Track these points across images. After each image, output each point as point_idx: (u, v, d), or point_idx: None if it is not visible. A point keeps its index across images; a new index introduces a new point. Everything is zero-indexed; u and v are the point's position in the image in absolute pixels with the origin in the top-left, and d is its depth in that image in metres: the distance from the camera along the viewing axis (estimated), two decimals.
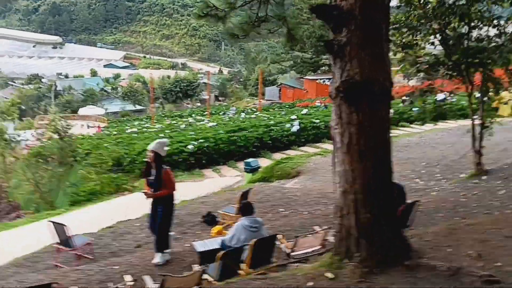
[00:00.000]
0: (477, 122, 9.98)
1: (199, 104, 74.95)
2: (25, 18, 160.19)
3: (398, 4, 9.75)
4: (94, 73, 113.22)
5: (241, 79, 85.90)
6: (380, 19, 3.99)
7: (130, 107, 68.03)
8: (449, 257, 4.35)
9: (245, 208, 5.95)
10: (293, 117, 22.18)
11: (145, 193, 6.65)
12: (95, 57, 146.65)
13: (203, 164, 17.16)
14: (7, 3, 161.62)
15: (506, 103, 21.53)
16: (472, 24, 9.60)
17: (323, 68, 64.40)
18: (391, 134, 4.36)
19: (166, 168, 6.58)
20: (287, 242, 6.04)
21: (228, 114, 40.40)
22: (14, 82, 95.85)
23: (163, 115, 56.35)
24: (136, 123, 41.05)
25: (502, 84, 9.73)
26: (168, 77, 75.74)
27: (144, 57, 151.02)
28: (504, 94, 21.92)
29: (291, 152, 17.87)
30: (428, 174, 11.28)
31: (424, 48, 10.29)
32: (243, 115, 39.43)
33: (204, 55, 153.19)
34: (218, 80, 75.67)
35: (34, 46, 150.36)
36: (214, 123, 28.38)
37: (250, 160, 15.30)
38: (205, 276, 5.36)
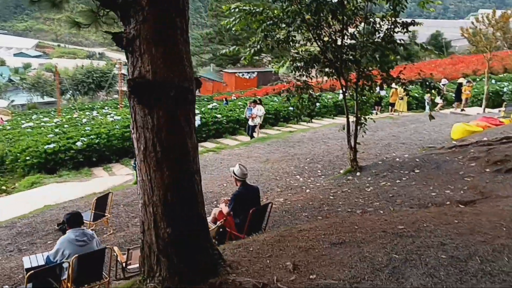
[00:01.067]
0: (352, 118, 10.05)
1: (116, 96, 72.02)
2: None
3: None
4: (1, 63, 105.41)
5: None
6: (174, 13, 3.56)
7: (39, 98, 63.91)
8: (264, 270, 4.06)
9: (71, 220, 5.35)
10: (196, 111, 21.58)
11: None
12: (4, 45, 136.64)
13: (93, 162, 16.06)
14: None
15: (401, 98, 22.48)
16: (347, 21, 9.62)
17: (243, 61, 64.35)
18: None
19: None
20: (122, 254, 5.52)
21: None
22: None
23: (73, 108, 53.34)
24: (34, 116, 38.35)
25: (376, 82, 9.82)
26: (82, 67, 72.02)
27: (58, 45, 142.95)
28: (400, 90, 22.93)
29: None
30: (310, 170, 11.25)
31: (305, 44, 10.17)
32: None
33: None
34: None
35: None
36: (119, 117, 27.11)
37: None
38: None
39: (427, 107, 23.70)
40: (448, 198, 7.46)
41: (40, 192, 13.26)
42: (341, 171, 10.53)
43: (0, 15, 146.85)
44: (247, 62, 10.38)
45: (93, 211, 7.48)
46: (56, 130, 21.92)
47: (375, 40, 9.68)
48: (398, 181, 8.81)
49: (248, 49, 9.59)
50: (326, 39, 9.61)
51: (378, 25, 9.77)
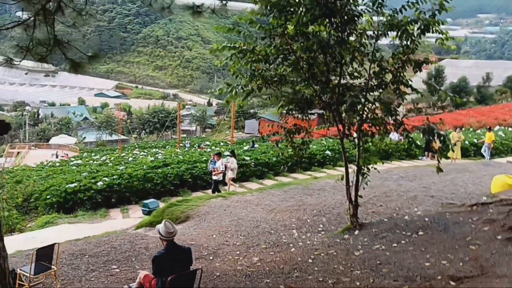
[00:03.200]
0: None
1: (184, 135, 74.24)
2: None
3: (263, 36, 8.69)
4: (81, 102, 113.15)
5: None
6: None
7: (107, 136, 67.09)
8: None
9: None
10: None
11: None
12: (87, 86, 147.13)
13: (112, 203, 15.79)
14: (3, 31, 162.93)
15: (455, 144, 20.42)
16: (348, 60, 8.58)
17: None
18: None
19: None
20: None
21: (186, 147, 39.21)
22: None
23: (137, 146, 55.26)
24: (84, 154, 39.77)
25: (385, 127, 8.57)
26: (148, 107, 75.20)
27: (136, 87, 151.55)
28: (452, 135, 21.08)
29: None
30: (312, 224, 10.00)
31: (301, 85, 9.16)
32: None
33: (196, 86, 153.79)
34: (199, 112, 75.01)
35: (26, 73, 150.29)
36: (161, 157, 27.13)
37: (148, 201, 13.99)
38: None
39: (486, 154, 21.48)
40: (441, 271, 6.06)
41: (48, 232, 13.02)
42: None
43: (85, 58, 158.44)
44: (241, 104, 9.57)
45: (31, 264, 6.84)
46: (94, 169, 22.16)
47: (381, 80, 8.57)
48: (394, 244, 7.45)
49: (234, 89, 8.78)
50: (319, 78, 8.59)
51: (386, 63, 8.64)
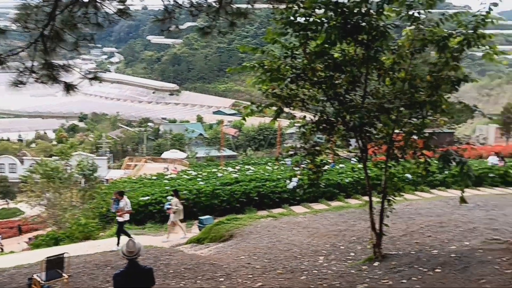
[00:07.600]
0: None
1: (292, 152, 74.80)
2: (149, 67, 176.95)
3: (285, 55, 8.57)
4: (199, 119, 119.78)
5: None
6: None
7: (216, 152, 70.01)
8: None
9: None
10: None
11: None
12: (207, 104, 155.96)
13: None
14: (134, 54, 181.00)
15: None
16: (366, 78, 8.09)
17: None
18: None
19: None
20: None
21: (286, 164, 39.14)
22: (124, 125, 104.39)
23: (241, 162, 56.86)
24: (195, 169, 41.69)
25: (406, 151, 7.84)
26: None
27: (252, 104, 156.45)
28: None
29: (278, 210, 16.46)
30: (344, 251, 9.41)
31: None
32: None
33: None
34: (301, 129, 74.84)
35: (153, 93, 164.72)
36: (250, 173, 27.54)
37: (203, 217, 14.27)
38: None
39: None
40: None
41: (112, 241, 13.91)
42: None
43: (206, 78, 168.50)
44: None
45: (43, 271, 7.39)
46: (177, 182, 23.23)
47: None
48: (404, 281, 6.73)
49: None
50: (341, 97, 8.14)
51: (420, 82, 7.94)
